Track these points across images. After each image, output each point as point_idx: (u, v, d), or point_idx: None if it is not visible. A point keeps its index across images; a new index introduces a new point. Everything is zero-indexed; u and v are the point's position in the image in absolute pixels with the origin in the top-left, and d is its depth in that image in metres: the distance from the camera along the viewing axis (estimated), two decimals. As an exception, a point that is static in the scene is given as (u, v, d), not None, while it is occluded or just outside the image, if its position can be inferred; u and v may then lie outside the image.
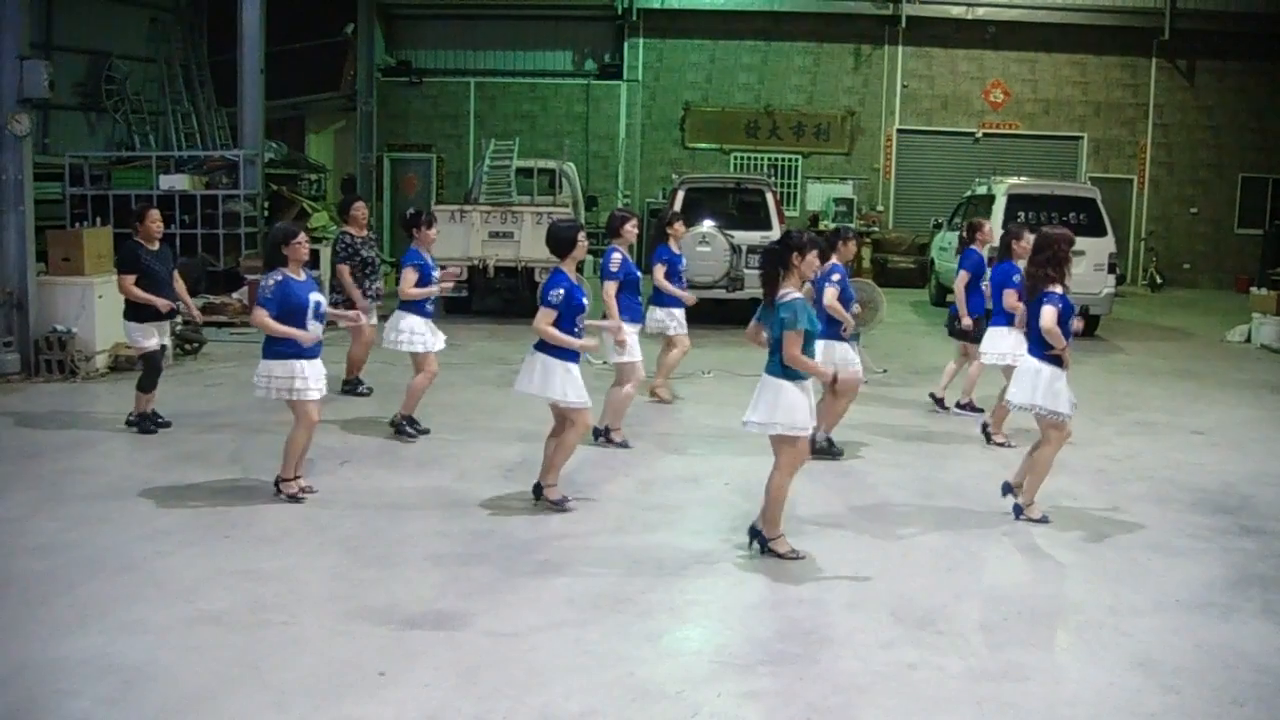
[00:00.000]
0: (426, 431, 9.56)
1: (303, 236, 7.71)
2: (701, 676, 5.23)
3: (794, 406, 6.51)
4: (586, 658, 5.35)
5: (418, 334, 9.39)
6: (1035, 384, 7.49)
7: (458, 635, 5.59)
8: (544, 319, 7.34)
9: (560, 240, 7.63)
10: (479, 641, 5.52)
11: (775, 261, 6.61)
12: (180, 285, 9.80)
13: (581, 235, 7.77)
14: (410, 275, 9.41)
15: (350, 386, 11.15)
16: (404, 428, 9.50)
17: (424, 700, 4.87)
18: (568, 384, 7.41)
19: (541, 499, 7.64)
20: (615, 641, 5.55)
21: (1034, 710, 5.02)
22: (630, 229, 9.47)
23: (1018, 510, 7.63)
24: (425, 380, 9.51)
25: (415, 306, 9.43)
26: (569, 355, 7.44)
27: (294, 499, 7.63)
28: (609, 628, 5.72)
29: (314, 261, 11.24)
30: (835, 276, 8.87)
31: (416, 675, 5.11)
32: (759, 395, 6.61)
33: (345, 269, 10.84)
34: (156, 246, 9.55)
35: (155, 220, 9.56)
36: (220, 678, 5.04)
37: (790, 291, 6.53)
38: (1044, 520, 7.55)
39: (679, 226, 11.46)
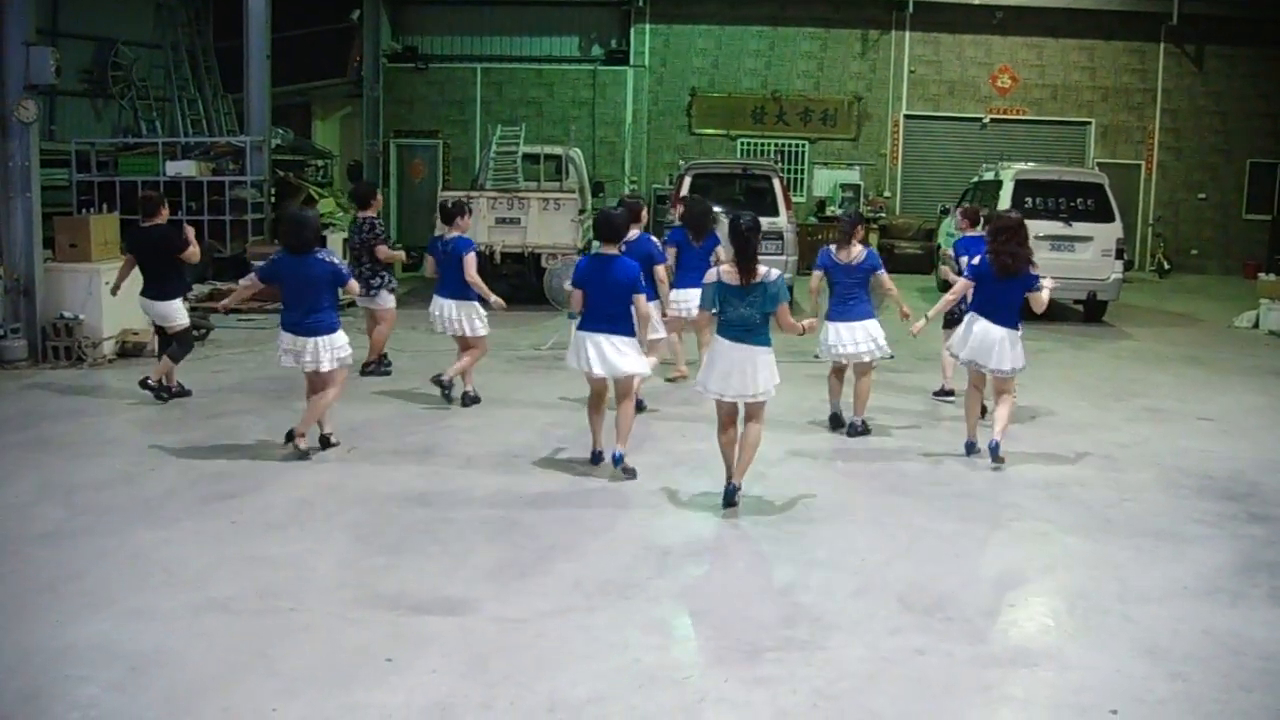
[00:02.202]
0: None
1: None
2: (709, 662, 5.24)
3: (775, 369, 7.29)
4: (594, 644, 5.36)
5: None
6: (1015, 350, 8.42)
7: (465, 622, 5.60)
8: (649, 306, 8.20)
9: (616, 227, 8.04)
10: (487, 628, 5.53)
11: (755, 243, 7.17)
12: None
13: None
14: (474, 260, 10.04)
15: (374, 367, 11.43)
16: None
17: (432, 687, 4.88)
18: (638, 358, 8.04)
19: (620, 465, 8.01)
20: (622, 628, 5.55)
21: (1041, 697, 5.02)
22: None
23: (996, 447, 8.38)
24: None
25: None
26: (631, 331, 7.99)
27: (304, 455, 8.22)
28: (616, 614, 5.72)
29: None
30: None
31: (424, 662, 5.12)
32: (758, 367, 7.12)
33: (385, 248, 11.29)
34: None
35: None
36: (228, 664, 5.05)
37: (772, 269, 7.22)
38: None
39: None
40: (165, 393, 9.90)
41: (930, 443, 9.28)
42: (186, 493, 7.51)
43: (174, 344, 10.01)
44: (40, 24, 16.66)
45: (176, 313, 9.99)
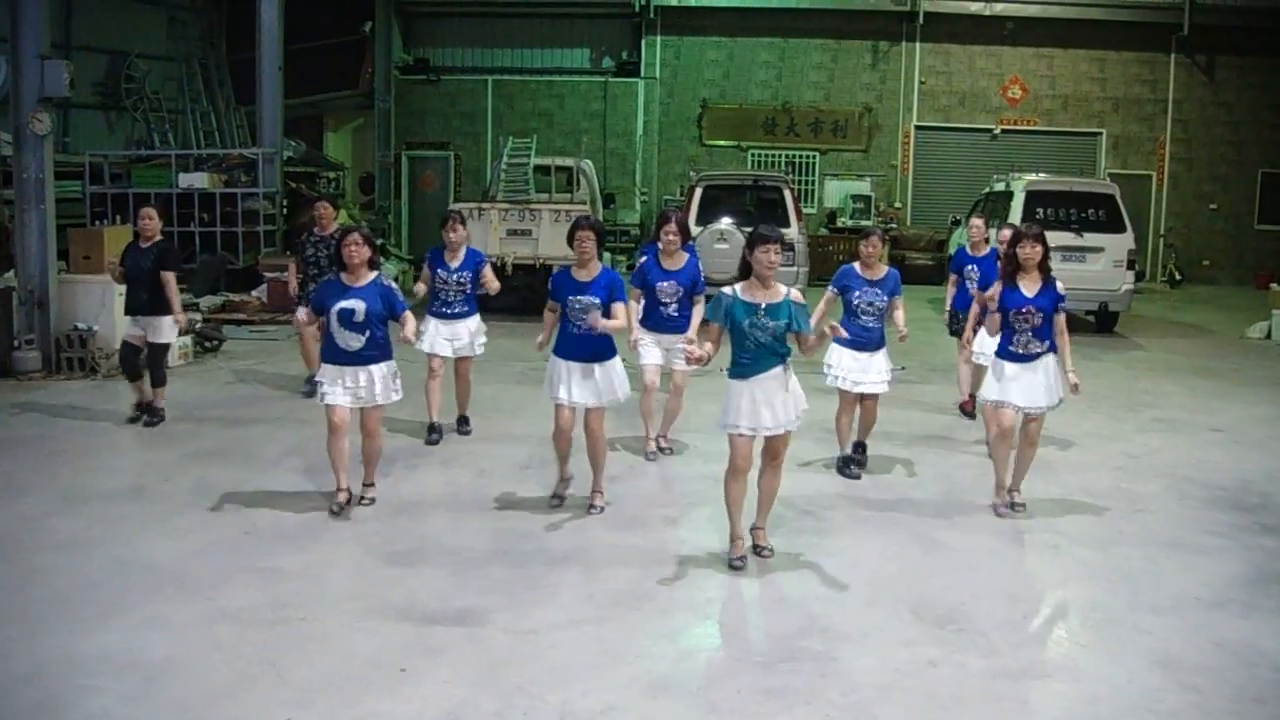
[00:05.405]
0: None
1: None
2: (721, 674, 5.24)
3: None
4: (606, 655, 5.36)
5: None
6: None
7: (478, 632, 5.60)
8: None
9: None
10: (499, 639, 5.54)
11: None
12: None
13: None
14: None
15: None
16: None
17: (444, 697, 4.89)
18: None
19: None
20: (634, 638, 5.56)
21: (1053, 708, 5.01)
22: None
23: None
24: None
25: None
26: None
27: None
28: (628, 625, 5.73)
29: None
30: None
31: (437, 672, 5.13)
32: (795, 389, 6.57)
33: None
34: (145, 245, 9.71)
35: (142, 217, 9.79)
36: (241, 675, 5.07)
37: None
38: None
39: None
40: (156, 413, 9.71)
41: (941, 454, 9.28)
42: (199, 504, 7.53)
43: (156, 363, 9.76)
44: (54, 37, 16.75)
45: (172, 328, 9.84)
